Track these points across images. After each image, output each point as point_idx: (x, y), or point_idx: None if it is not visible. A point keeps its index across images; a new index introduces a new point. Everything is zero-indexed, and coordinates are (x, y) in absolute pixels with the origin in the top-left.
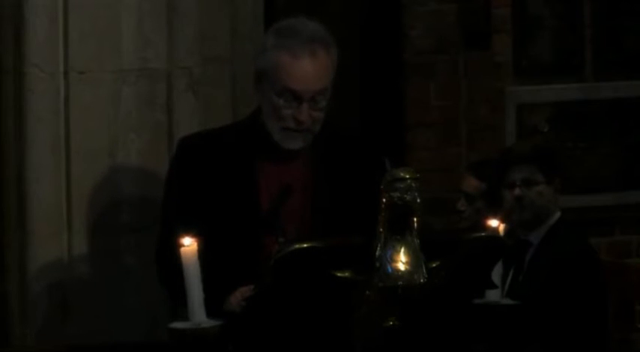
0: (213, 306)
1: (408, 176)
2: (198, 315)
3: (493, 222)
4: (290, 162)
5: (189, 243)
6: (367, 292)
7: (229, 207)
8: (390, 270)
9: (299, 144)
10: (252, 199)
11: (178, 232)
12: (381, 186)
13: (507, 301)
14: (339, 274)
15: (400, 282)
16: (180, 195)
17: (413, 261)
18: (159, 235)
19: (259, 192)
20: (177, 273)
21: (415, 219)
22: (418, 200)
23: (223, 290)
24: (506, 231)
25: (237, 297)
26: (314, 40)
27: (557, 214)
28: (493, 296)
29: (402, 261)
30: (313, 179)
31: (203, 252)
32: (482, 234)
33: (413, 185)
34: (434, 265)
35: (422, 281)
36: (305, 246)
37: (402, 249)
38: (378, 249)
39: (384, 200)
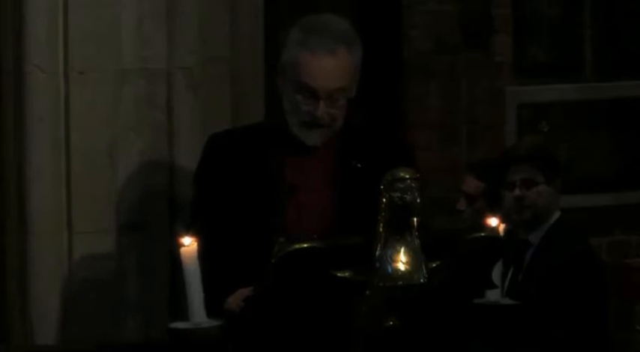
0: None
1: (408, 176)
2: (198, 315)
3: (493, 222)
4: (315, 159)
5: (189, 243)
6: (367, 292)
7: (255, 205)
8: (390, 270)
9: (318, 140)
10: (278, 198)
11: (206, 229)
12: (381, 186)
13: (507, 301)
14: (339, 274)
15: (400, 282)
16: (207, 193)
17: (413, 261)
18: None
19: (284, 189)
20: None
21: (415, 219)
22: (418, 200)
23: (239, 288)
24: (506, 231)
25: (238, 298)
26: (336, 38)
27: (557, 214)
28: (493, 296)
29: (402, 261)
30: (338, 175)
31: (224, 250)
32: (482, 234)
33: (413, 185)
34: (434, 265)
35: (422, 281)
36: (305, 246)
37: (402, 249)
38: (378, 249)
39: (384, 200)
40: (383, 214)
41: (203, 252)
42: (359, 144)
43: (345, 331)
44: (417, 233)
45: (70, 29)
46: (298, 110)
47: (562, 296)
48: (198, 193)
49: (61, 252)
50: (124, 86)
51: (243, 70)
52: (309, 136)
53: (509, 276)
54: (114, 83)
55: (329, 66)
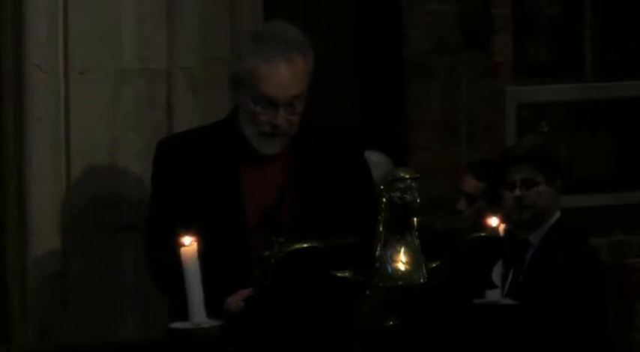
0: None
1: (408, 176)
2: (198, 315)
3: (493, 222)
4: (270, 165)
5: (189, 243)
6: (367, 292)
7: (212, 210)
8: (390, 270)
9: (276, 149)
10: (236, 202)
11: (164, 233)
12: (381, 186)
13: (507, 301)
14: (339, 274)
15: (400, 282)
16: (162, 197)
17: (413, 261)
18: (146, 234)
19: (242, 194)
20: (168, 272)
21: (415, 219)
22: (418, 200)
23: (208, 294)
24: (506, 231)
25: (237, 299)
26: (289, 46)
27: (557, 214)
28: (493, 296)
29: (402, 261)
30: (294, 180)
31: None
32: (482, 234)
33: (413, 185)
34: (434, 265)
35: (422, 281)
36: (305, 246)
37: (402, 249)
38: (378, 249)
39: (384, 200)
40: (383, 214)
41: (170, 258)
42: (312, 147)
43: (345, 331)
44: (417, 233)
45: (70, 29)
46: (257, 120)
47: (562, 296)
48: (155, 199)
49: (60, 251)
50: (123, 86)
51: None
52: (267, 146)
53: (509, 277)
54: (114, 83)
55: (285, 73)
